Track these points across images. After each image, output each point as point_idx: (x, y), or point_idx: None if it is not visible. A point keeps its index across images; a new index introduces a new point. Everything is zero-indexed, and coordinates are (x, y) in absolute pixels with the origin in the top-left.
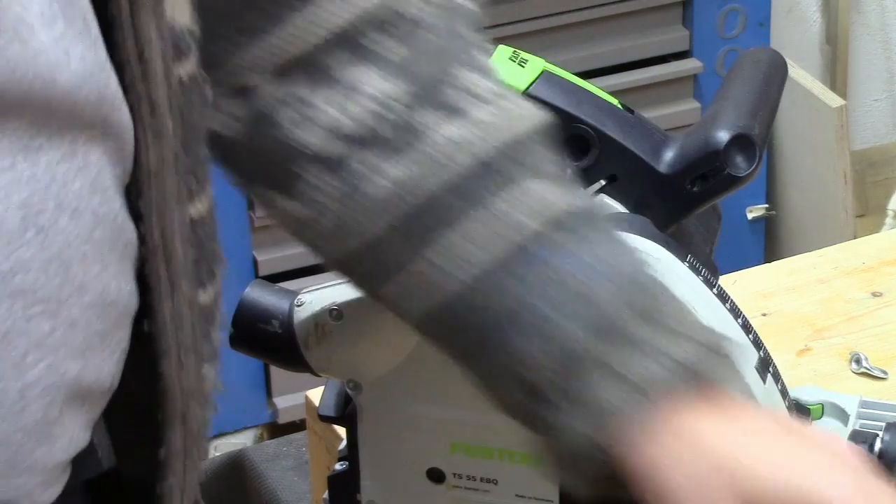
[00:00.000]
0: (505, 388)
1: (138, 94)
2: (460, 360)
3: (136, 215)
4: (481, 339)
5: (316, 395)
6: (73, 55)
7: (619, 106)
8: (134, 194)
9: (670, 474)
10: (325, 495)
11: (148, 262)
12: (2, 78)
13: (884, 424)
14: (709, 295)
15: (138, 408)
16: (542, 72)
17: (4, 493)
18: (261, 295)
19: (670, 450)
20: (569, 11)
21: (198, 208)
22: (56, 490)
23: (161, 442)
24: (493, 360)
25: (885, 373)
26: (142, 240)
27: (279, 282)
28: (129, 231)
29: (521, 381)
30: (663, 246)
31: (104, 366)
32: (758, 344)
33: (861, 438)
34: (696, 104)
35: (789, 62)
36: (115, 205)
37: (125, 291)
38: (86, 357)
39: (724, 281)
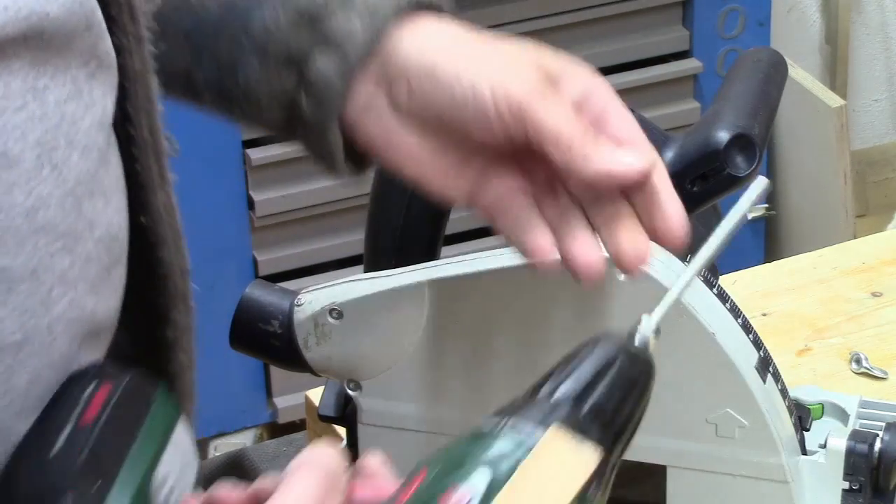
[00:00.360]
0: (262, 67)
1: (119, 3)
2: (216, 67)
3: (125, 117)
4: (229, 30)
5: (316, 395)
6: None
7: None
8: (121, 97)
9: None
10: None
11: (139, 160)
12: (12, 20)
13: (884, 424)
14: (709, 295)
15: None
16: None
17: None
18: (261, 295)
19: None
20: (569, 11)
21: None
22: None
23: (167, 324)
24: (244, 46)
25: (885, 373)
26: (131, 140)
27: (279, 282)
28: (118, 165)
29: (274, 52)
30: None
31: (111, 301)
32: (758, 344)
33: (861, 438)
34: (696, 104)
35: (789, 62)
36: (111, 140)
37: (123, 227)
38: (98, 292)
39: (724, 281)
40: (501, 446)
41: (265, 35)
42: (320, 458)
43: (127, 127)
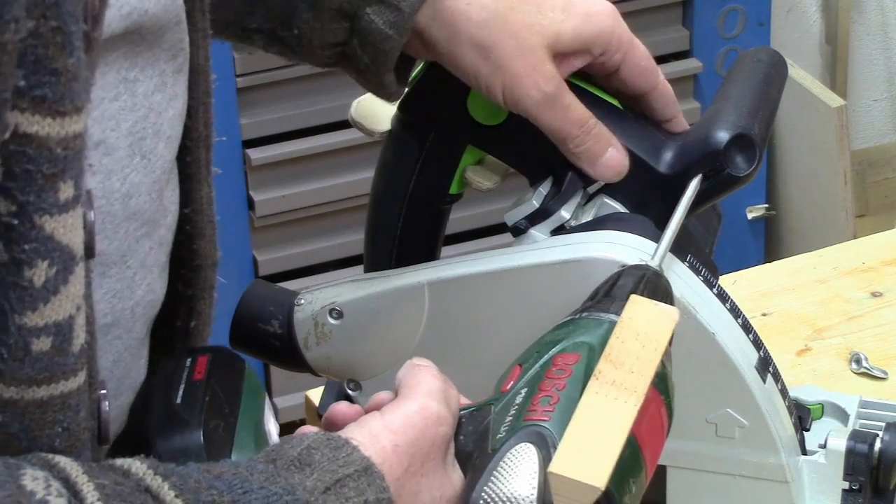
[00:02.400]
0: (315, 19)
1: (192, 1)
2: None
3: (187, 112)
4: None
5: (316, 395)
6: None
7: (619, 106)
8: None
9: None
10: None
11: (191, 152)
12: (116, 17)
13: (884, 424)
14: (709, 295)
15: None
16: None
17: (110, 412)
18: (261, 295)
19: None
20: None
21: None
22: (125, 417)
23: (191, 314)
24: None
25: (885, 373)
26: (186, 132)
27: (279, 282)
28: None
29: (328, 6)
30: None
31: (166, 286)
32: (758, 344)
33: (861, 438)
34: (696, 104)
35: (789, 62)
36: None
37: (177, 215)
38: (162, 277)
39: (724, 281)
40: (586, 325)
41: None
42: (422, 361)
43: (185, 119)
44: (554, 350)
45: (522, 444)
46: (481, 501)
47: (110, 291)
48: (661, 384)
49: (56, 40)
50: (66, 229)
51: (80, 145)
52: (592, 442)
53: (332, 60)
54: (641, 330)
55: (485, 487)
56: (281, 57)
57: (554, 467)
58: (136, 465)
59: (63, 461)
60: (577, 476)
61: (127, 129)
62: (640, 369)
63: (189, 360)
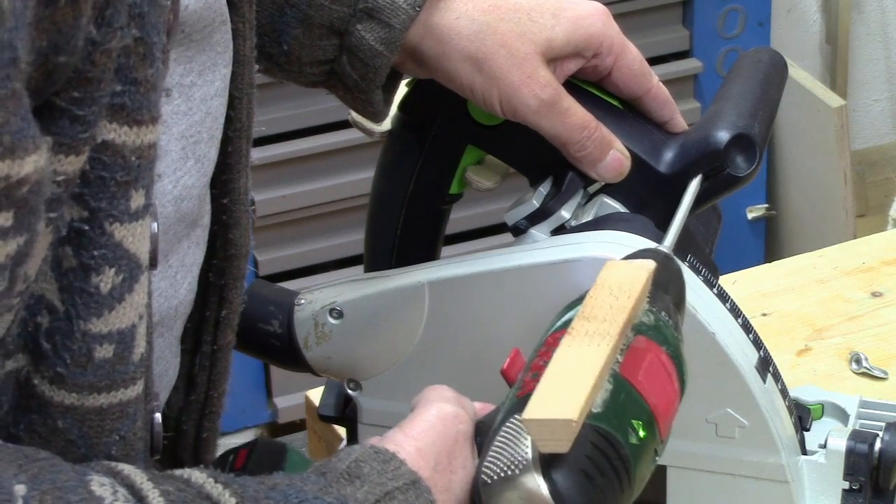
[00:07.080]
0: (304, 35)
1: None
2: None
3: (229, 100)
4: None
5: (316, 395)
6: None
7: (619, 106)
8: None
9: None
10: None
11: (233, 142)
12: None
13: (884, 424)
14: (709, 295)
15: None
16: None
17: (154, 408)
18: (261, 295)
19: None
20: None
21: None
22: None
23: (223, 304)
24: (287, 16)
25: (885, 373)
26: (229, 122)
27: (279, 282)
28: None
29: (317, 22)
30: None
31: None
32: (758, 344)
33: (861, 438)
34: (696, 104)
35: (789, 62)
36: None
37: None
38: (197, 277)
39: (724, 281)
40: (575, 304)
41: (309, 7)
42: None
43: (228, 110)
44: (546, 335)
45: (514, 417)
46: (483, 477)
47: (156, 290)
48: (658, 335)
49: (138, 51)
50: (134, 238)
51: (153, 155)
52: (564, 384)
53: (320, 79)
54: (615, 285)
55: (484, 465)
56: (266, 74)
57: (527, 414)
58: (197, 475)
59: (127, 468)
60: (550, 414)
61: (180, 132)
62: (613, 317)
63: (232, 456)
